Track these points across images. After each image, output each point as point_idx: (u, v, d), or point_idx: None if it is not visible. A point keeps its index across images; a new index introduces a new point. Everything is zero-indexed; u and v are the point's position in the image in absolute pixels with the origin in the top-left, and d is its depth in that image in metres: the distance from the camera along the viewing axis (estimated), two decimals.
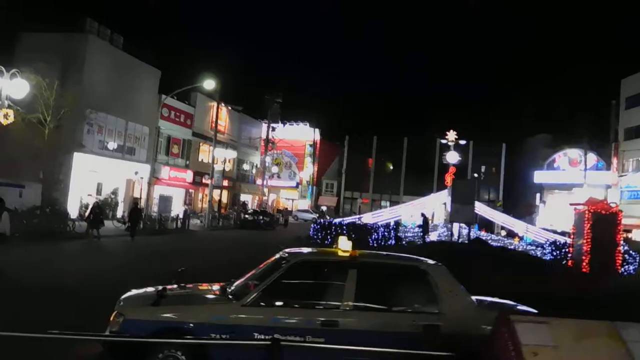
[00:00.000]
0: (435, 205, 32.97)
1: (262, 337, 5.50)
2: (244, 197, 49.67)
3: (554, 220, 44.24)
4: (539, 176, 58.85)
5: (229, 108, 46.46)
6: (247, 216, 38.94)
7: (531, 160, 61.36)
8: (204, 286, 7.04)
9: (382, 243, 23.23)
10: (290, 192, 62.96)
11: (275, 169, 55.97)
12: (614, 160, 53.72)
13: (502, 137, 62.21)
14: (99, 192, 32.23)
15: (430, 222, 32.14)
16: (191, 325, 5.79)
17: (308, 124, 62.81)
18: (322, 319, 5.86)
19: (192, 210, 35.66)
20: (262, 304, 5.95)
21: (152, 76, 36.53)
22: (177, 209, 35.25)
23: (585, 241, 19.31)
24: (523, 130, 61.56)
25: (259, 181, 54.61)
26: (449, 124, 71.05)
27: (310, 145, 63.65)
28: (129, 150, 34.74)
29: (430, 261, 6.79)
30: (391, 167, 63.53)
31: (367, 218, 31.39)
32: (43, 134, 24.00)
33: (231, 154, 42.01)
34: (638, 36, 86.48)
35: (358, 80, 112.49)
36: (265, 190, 53.84)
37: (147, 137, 36.32)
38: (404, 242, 25.21)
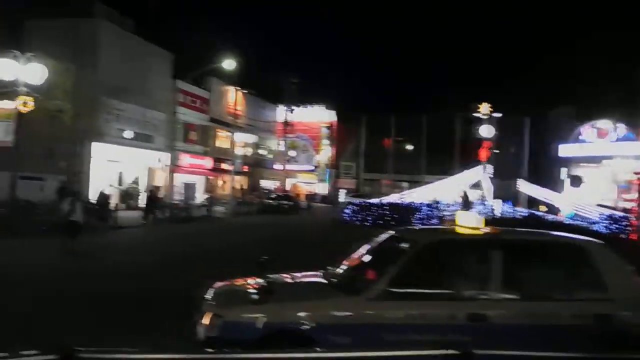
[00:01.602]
0: (468, 181, 31.55)
1: (396, 337, 4.30)
2: (262, 183, 48.48)
3: (581, 194, 42.66)
4: (565, 150, 57.01)
5: (244, 92, 45.06)
6: (270, 201, 37.78)
7: (556, 134, 59.48)
8: (300, 277, 5.80)
9: (425, 222, 22.09)
10: (307, 176, 61.62)
11: (292, 153, 54.64)
12: None
13: (525, 111, 60.14)
14: (120, 182, 31.20)
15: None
16: (309, 326, 4.58)
17: (324, 106, 61.20)
18: (467, 312, 4.61)
19: (215, 197, 34.54)
20: (390, 297, 4.71)
21: (166, 60, 35.23)
22: (199, 196, 34.16)
23: None
24: (547, 103, 59.42)
25: (276, 166, 53.44)
26: (469, 100, 69.42)
27: (327, 128, 62.13)
28: (147, 138, 33.56)
29: (589, 238, 5.52)
30: (411, 147, 61.90)
31: (395, 198, 30.15)
32: (62, 123, 22.81)
33: (251, 138, 40.73)
34: None
35: (372, 58, 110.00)
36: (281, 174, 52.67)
37: (164, 123, 35.13)
38: (437, 222, 23.92)
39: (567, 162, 58.62)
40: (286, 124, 46.75)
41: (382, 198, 31.04)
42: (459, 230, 5.51)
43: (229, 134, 43.21)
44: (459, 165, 59.59)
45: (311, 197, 47.75)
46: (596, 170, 49.27)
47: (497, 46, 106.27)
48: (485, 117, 31.56)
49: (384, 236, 5.73)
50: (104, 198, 23.10)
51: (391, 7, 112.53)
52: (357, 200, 24.64)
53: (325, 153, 62.60)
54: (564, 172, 58.98)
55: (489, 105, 31.27)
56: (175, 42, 35.80)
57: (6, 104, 17.96)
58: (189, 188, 29.61)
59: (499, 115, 33.01)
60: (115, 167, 30.98)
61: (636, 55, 51.07)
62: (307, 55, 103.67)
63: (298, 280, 5.73)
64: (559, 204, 30.14)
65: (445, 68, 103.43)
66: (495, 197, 23.15)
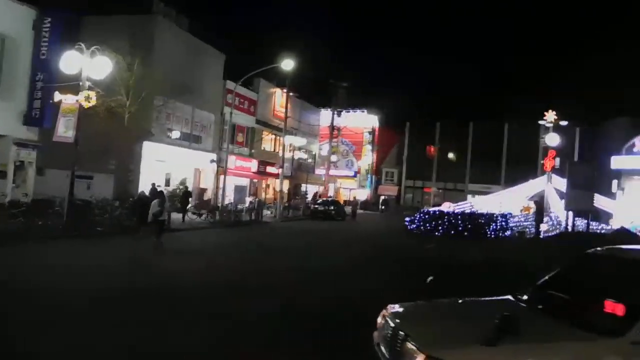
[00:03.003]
0: (532, 192, 29.85)
1: None
2: (304, 187, 47.43)
3: (634, 207, 40.40)
4: (617, 162, 54.45)
5: (291, 94, 44.17)
6: (317, 206, 36.70)
7: (607, 145, 56.87)
8: (491, 304, 4.68)
9: (500, 234, 20.67)
10: (348, 182, 60.47)
11: (334, 158, 53.56)
12: None
13: (576, 121, 57.88)
14: (167, 182, 30.55)
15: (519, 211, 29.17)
16: None
17: (366, 111, 60.00)
18: None
19: (262, 201, 33.68)
20: None
21: (218, 60, 34.64)
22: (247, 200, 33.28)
23: None
24: (598, 114, 57.06)
25: (318, 171, 52.41)
26: (517, 108, 67.24)
27: (369, 133, 60.89)
28: (196, 139, 32.95)
29: None
30: (455, 155, 60.07)
31: (448, 208, 28.72)
32: (119, 120, 22.14)
33: (300, 141, 39.77)
34: None
35: (417, 64, 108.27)
36: (324, 179, 51.62)
37: (213, 124, 34.48)
38: (510, 234, 22.44)
39: (619, 174, 56.10)
40: (333, 128, 45.63)
41: (434, 207, 29.65)
42: None
43: (273, 136, 42.47)
44: (505, 175, 57.73)
45: (354, 203, 46.46)
46: None
47: (545, 53, 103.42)
48: (550, 125, 29.81)
49: (593, 252, 4.59)
50: (146, 199, 22.13)
51: (435, 10, 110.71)
52: (427, 209, 23.32)
53: (367, 159, 61.36)
54: (615, 184, 56.42)
55: (554, 113, 29.52)
56: (224, 42, 35.25)
57: (69, 99, 17.23)
58: (240, 191, 28.82)
59: (564, 123, 31.28)
60: (163, 168, 30.37)
61: None
62: (350, 60, 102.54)
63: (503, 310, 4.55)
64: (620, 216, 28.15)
65: (491, 76, 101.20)
66: (573, 209, 21.44)
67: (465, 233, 20.09)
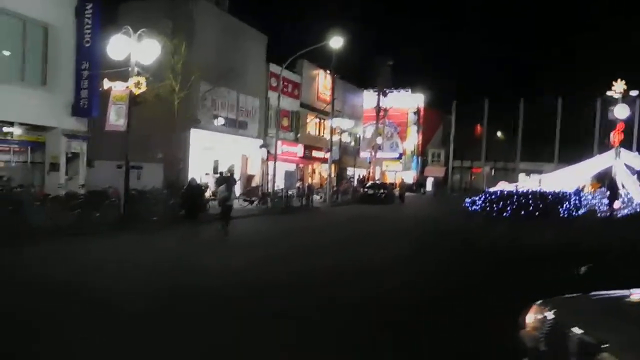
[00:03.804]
0: (597, 169, 27.85)
1: None
2: (352, 171, 46.34)
3: None
4: None
5: (335, 76, 42.92)
6: (367, 190, 35.59)
7: None
8: None
9: (574, 213, 19.20)
10: (393, 164, 58.95)
11: (379, 140, 52.14)
12: None
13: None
14: (215, 170, 30.00)
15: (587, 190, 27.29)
16: None
17: (410, 91, 58.12)
18: None
19: (312, 186, 32.85)
20: None
21: (260, 43, 33.69)
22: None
23: None
24: None
25: (363, 153, 51.15)
26: (566, 83, 63.93)
27: (414, 113, 59.05)
28: (241, 125, 32.23)
29: None
30: (504, 133, 57.67)
31: (505, 187, 27.09)
32: (171, 107, 21.47)
33: (348, 123, 38.61)
34: None
35: (461, 42, 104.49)
36: (370, 163, 50.39)
37: (257, 109, 33.68)
38: (584, 213, 20.79)
39: None
40: (379, 108, 44.20)
41: (493, 187, 28.04)
42: None
43: (318, 120, 41.44)
44: (559, 153, 55.00)
45: (401, 185, 45.05)
46: None
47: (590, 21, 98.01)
48: (618, 95, 27.54)
49: None
50: (197, 187, 21.60)
51: None
52: (494, 189, 21.96)
53: (412, 140, 59.65)
54: None
55: (624, 82, 27.23)
56: (268, 24, 34.27)
57: (119, 86, 16.61)
58: (289, 176, 28.03)
59: (635, 93, 28.83)
60: (211, 155, 29.82)
61: None
62: (393, 39, 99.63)
63: None
64: None
65: (542, 51, 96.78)
66: None
67: (537, 213, 18.62)
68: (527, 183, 29.48)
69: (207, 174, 28.31)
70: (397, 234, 17.51)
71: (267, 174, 30.26)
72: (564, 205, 19.39)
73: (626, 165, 26.57)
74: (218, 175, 22.09)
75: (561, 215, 18.90)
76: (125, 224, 15.89)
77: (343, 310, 7.26)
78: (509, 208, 18.99)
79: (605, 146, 45.50)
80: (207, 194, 23.13)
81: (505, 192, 20.34)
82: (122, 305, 7.24)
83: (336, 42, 27.18)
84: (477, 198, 22.55)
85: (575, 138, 53.31)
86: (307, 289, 8.65)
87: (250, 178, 32.36)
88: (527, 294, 4.64)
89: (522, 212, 18.63)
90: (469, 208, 22.23)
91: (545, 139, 55.00)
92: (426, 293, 8.53)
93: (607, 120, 52.45)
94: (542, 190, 21.08)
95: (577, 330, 3.40)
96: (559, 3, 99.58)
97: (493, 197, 19.79)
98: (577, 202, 20.36)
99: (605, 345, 3.09)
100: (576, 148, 53.60)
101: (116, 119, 16.75)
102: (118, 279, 9.09)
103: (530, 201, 18.95)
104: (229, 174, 17.41)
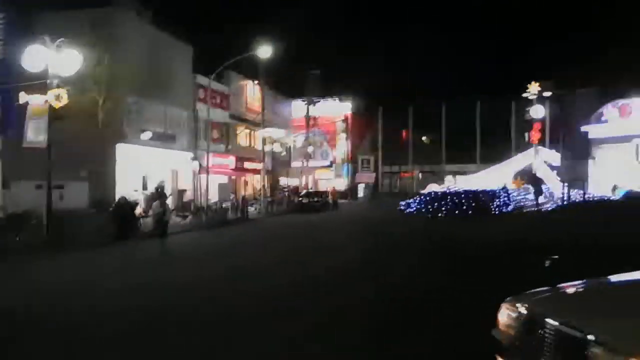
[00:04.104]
0: (519, 166, 29.41)
1: None
2: (285, 181, 46.10)
3: (606, 175, 40.65)
4: (590, 130, 55.10)
5: (263, 86, 42.67)
6: (301, 199, 35.51)
7: (578, 115, 57.61)
8: None
9: (504, 210, 20.05)
10: (324, 172, 59.31)
11: (310, 149, 52.31)
12: None
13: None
14: (144, 186, 28.76)
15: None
16: None
17: (337, 99, 58.86)
18: None
19: (246, 198, 32.31)
20: None
21: (185, 54, 32.91)
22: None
23: None
24: (569, 84, 57.60)
25: (294, 163, 51.10)
26: (486, 84, 67.29)
27: (342, 121, 59.79)
28: (170, 138, 31.17)
29: None
30: (429, 137, 59.76)
31: (436, 188, 28.04)
32: (95, 121, 20.33)
33: (279, 133, 38.38)
34: None
35: (384, 48, 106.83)
36: (300, 172, 50.44)
37: (186, 122, 32.76)
38: (511, 209, 21.79)
39: (589, 143, 56.92)
40: (309, 117, 44.34)
41: (425, 190, 28.89)
42: None
43: (248, 130, 40.97)
44: (480, 153, 57.68)
45: (333, 193, 45.36)
46: (618, 150, 46.56)
47: (516, 24, 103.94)
48: (533, 97, 29.33)
49: None
50: (127, 205, 20.53)
51: None
52: (429, 191, 22.47)
53: (342, 147, 60.35)
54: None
55: (538, 84, 29.05)
56: (192, 35, 33.47)
57: (37, 99, 15.50)
58: (224, 189, 27.33)
59: (548, 94, 30.85)
60: (139, 170, 28.56)
61: None
62: (318, 46, 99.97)
63: None
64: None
65: (461, 54, 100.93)
66: (567, 179, 20.96)
67: (470, 212, 19.30)
68: (455, 184, 30.64)
69: (135, 190, 27.06)
70: (345, 241, 17.44)
71: (200, 187, 29.41)
72: (495, 202, 20.22)
73: (545, 162, 28.25)
74: (150, 192, 21.08)
75: (492, 212, 19.69)
76: (50, 246, 14.80)
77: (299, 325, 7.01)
78: (443, 208, 19.53)
79: (522, 145, 48.40)
80: (138, 211, 22.06)
81: (440, 193, 20.94)
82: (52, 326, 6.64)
83: (265, 51, 26.93)
84: (411, 201, 23.08)
85: (493, 138, 56.21)
86: (268, 299, 8.34)
87: (182, 192, 31.33)
88: (498, 291, 4.62)
89: (457, 212, 19.23)
90: (404, 210, 22.70)
91: (467, 141, 57.49)
92: (406, 294, 8.46)
93: (522, 121, 55.95)
94: (474, 190, 21.94)
95: (553, 322, 3.36)
96: (475, 8, 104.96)
97: (428, 198, 20.30)
98: (506, 199, 21.32)
99: (591, 337, 3.04)
100: (495, 148, 56.63)
101: (35, 135, 15.62)
102: (45, 303, 8.36)
103: (464, 200, 19.59)
104: (159, 190, 16.79)
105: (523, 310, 3.72)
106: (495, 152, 56.28)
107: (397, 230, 18.67)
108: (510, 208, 21.18)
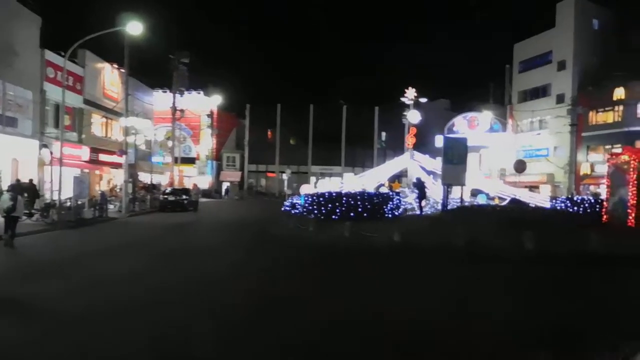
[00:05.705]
0: (395, 170, 29.92)
1: None
2: (144, 177, 42.09)
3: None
4: (440, 141, 59.35)
5: (121, 71, 38.51)
6: (166, 197, 32.49)
7: (432, 125, 61.79)
8: None
9: (396, 213, 19.83)
10: (187, 168, 55.84)
11: (169, 144, 48.78)
12: (510, 122, 55.91)
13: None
14: None
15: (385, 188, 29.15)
16: None
17: (203, 93, 55.85)
18: None
19: (106, 195, 28.55)
20: None
21: (32, 24, 28.11)
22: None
23: (631, 193, 17.64)
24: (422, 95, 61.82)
25: (155, 158, 47.17)
26: (351, 91, 69.06)
27: (208, 116, 56.86)
28: (9, 121, 26.31)
29: None
30: (296, 137, 59.51)
31: (308, 190, 27.49)
32: None
33: (143, 123, 34.72)
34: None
35: (253, 45, 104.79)
36: (161, 168, 46.85)
37: (31, 104, 27.98)
38: (401, 212, 21.78)
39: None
40: (175, 109, 41.06)
41: (313, 190, 28.06)
42: None
43: (105, 119, 36.65)
44: (345, 156, 58.97)
45: (194, 190, 42.60)
46: (472, 159, 51.29)
47: (371, 36, 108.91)
48: (410, 102, 30.14)
49: None
50: None
51: None
52: (320, 192, 21.29)
53: (207, 144, 57.40)
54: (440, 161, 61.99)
55: (414, 90, 29.90)
56: (43, 5, 28.78)
57: None
58: (80, 183, 23.44)
59: (424, 100, 31.99)
60: None
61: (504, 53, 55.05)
62: (186, 37, 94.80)
63: None
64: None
65: (327, 60, 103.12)
66: (448, 183, 21.64)
67: (365, 214, 18.74)
68: (325, 186, 30.19)
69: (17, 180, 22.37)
70: (228, 247, 15.66)
71: (49, 180, 25.17)
72: (388, 205, 19.96)
73: (420, 166, 29.07)
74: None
75: (386, 215, 19.37)
76: None
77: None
78: (337, 210, 18.70)
79: (382, 150, 50.10)
80: None
81: (335, 194, 20.11)
82: None
83: (135, 27, 23.48)
84: (296, 201, 22.00)
85: (357, 142, 57.92)
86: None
87: (30, 185, 26.59)
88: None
89: (352, 214, 18.53)
90: (290, 211, 21.52)
91: (333, 143, 58.43)
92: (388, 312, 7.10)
93: (385, 126, 58.31)
94: (370, 192, 21.60)
95: None
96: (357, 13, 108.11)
97: (321, 199, 19.33)
98: (398, 202, 21.24)
99: None
100: (358, 151, 58.44)
101: None
102: None
103: (359, 202, 18.98)
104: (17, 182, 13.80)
105: None
106: (358, 155, 58.21)
107: (290, 233, 17.24)
108: (400, 211, 21.13)
